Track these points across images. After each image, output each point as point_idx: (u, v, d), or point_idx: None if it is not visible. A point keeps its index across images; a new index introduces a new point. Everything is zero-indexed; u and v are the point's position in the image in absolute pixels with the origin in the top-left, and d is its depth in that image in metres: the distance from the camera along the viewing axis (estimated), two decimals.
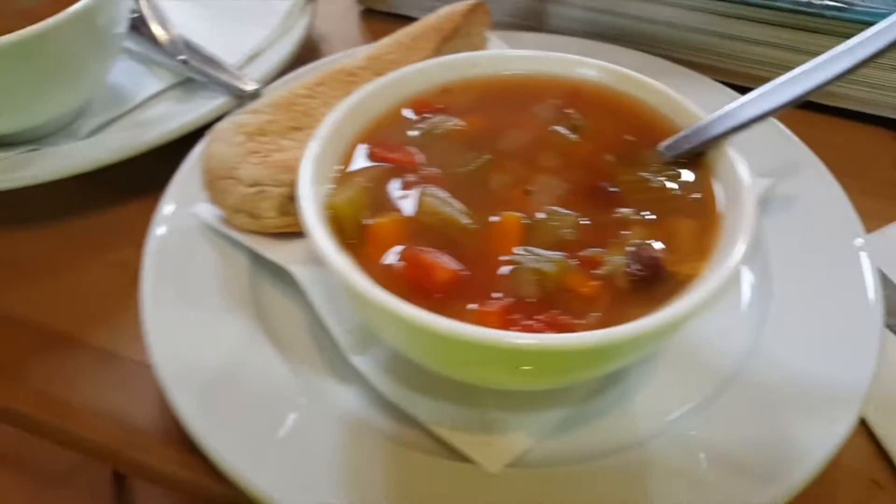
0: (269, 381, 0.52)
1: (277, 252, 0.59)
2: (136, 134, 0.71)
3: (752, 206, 0.45)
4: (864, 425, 0.54)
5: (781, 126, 0.69)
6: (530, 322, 0.43)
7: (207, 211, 0.61)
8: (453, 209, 0.48)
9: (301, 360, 0.55)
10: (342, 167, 0.52)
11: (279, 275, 0.58)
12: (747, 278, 0.60)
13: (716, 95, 0.71)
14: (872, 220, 0.67)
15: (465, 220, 0.48)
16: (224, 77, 0.74)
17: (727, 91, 0.74)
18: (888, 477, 0.52)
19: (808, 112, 0.80)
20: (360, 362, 0.53)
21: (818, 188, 0.64)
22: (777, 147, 0.68)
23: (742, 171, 0.47)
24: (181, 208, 0.63)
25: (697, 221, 0.48)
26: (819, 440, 0.47)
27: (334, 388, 0.54)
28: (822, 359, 0.52)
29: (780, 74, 0.52)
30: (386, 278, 0.45)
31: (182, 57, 0.76)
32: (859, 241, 0.59)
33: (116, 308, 0.63)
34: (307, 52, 0.91)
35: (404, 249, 0.47)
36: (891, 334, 0.58)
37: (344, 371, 0.54)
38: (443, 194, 0.49)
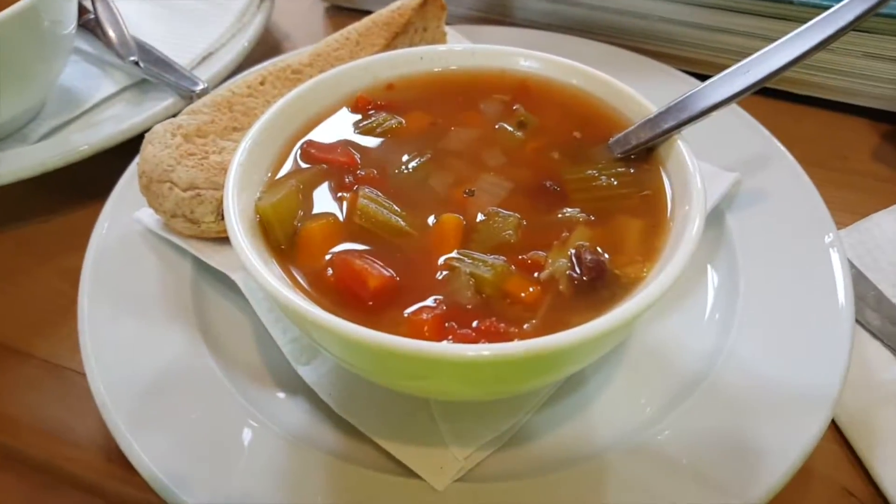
0: (208, 395, 0.50)
1: (220, 258, 0.56)
2: (83, 137, 0.69)
3: (701, 205, 0.43)
4: (836, 430, 0.51)
5: (749, 117, 0.66)
6: (466, 330, 0.40)
7: (150, 216, 0.59)
8: (390, 212, 0.46)
9: (244, 370, 0.52)
10: (275, 169, 0.50)
11: (223, 280, 0.56)
12: (713, 278, 0.57)
13: (681, 86, 0.68)
14: (850, 214, 0.64)
15: (402, 223, 0.46)
16: (174, 77, 0.72)
17: (693, 81, 0.71)
18: (861, 485, 0.49)
19: (781, 102, 0.77)
20: (306, 372, 0.51)
21: (787, 182, 0.61)
22: (745, 139, 0.65)
23: (692, 168, 0.45)
24: (124, 213, 0.61)
25: (645, 221, 0.45)
26: (786, 448, 0.45)
27: (278, 400, 0.51)
28: (791, 361, 0.50)
29: None
30: (317, 286, 0.43)
31: (133, 58, 0.74)
32: (829, 238, 0.56)
33: (63, 317, 0.61)
34: (269, 49, 0.88)
35: (335, 255, 0.44)
36: (863, 331, 0.56)
37: (289, 382, 0.52)
38: (379, 196, 0.47)
